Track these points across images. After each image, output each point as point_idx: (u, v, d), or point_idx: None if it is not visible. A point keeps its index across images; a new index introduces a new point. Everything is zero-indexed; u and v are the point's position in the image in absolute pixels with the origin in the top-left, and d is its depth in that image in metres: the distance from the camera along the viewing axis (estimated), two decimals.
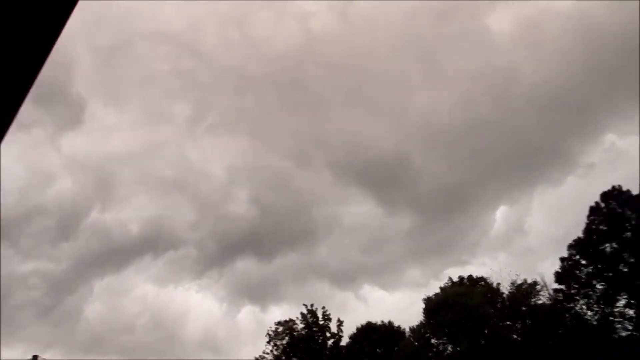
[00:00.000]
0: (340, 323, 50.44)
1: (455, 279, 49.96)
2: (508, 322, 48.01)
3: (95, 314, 67.86)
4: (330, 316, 51.19)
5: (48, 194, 74.91)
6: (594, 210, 41.62)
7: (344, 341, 51.42)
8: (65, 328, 64.78)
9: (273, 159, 79.80)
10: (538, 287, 45.46)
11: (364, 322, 52.75)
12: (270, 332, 51.23)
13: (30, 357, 40.23)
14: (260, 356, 51.06)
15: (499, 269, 66.00)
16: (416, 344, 49.55)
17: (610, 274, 39.77)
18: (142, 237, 73.08)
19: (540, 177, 69.82)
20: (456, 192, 75.07)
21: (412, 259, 76.39)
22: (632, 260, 38.61)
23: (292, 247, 77.34)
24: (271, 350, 50.91)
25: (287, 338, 51.01)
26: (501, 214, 70.62)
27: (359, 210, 76.75)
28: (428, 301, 49.32)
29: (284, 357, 50.55)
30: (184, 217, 77.19)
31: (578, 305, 41.61)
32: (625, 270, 38.61)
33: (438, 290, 50.35)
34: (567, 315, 41.58)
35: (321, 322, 50.70)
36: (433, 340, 49.18)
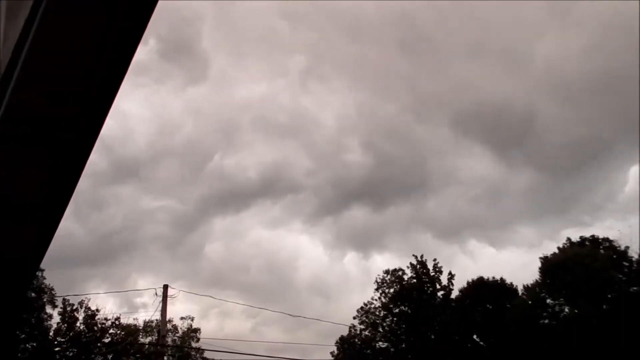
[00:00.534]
0: (451, 276, 50.32)
1: (576, 240, 47.33)
2: (635, 288, 45.22)
3: (215, 253, 72.84)
4: (442, 269, 50.30)
5: (175, 140, 78.05)
6: None
7: (454, 295, 50.78)
8: (189, 263, 70.27)
9: (390, 110, 78.45)
10: None
11: (470, 277, 51.75)
12: (379, 280, 51.97)
13: (162, 286, 42.98)
14: (368, 301, 52.32)
15: (629, 232, 61.09)
16: (530, 302, 48.16)
17: None
18: (260, 182, 76.07)
19: None
20: (583, 148, 70.60)
21: (527, 217, 74.39)
22: None
23: (404, 198, 76.93)
24: (379, 298, 51.82)
25: (395, 287, 51.24)
26: (635, 174, 64.85)
27: (476, 165, 74.33)
28: (545, 260, 47.43)
29: (392, 305, 51.36)
30: (301, 163, 78.49)
31: None
32: None
33: (555, 251, 47.99)
34: None
35: (432, 274, 50.56)
36: (549, 301, 47.66)
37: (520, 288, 49.74)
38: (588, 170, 72.62)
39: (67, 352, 43.53)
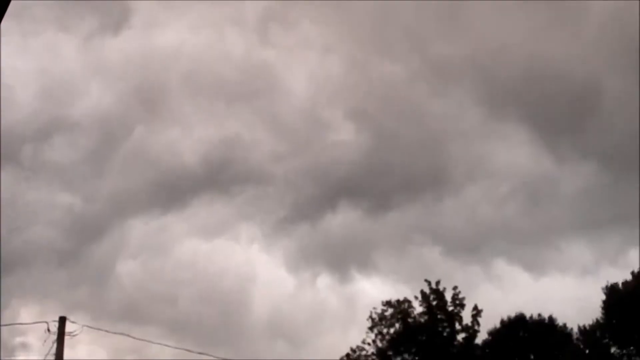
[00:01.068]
0: (477, 312, 37.83)
1: None
2: None
3: (131, 273, 55.65)
4: (464, 301, 40.14)
5: (75, 108, 62.82)
6: None
7: (480, 338, 38.97)
8: (94, 287, 53.13)
9: (391, 73, 62.86)
10: None
11: (498, 313, 39.34)
12: (375, 315, 39.83)
13: (57, 319, 30.46)
14: (358, 347, 38.98)
15: None
16: (587, 351, 35.92)
17: None
18: (200, 169, 59.78)
19: None
20: None
21: (579, 230, 58.44)
22: None
23: (409, 196, 61.33)
24: (374, 340, 38.64)
25: (398, 325, 38.75)
26: None
27: (512, 154, 59.75)
28: (610, 292, 35.64)
29: (391, 352, 38.10)
30: (264, 145, 61.99)
31: None
32: None
33: (625, 279, 36.35)
34: None
35: (449, 308, 37.59)
36: (614, 349, 35.81)
37: (574, 330, 37.00)
38: None
39: None
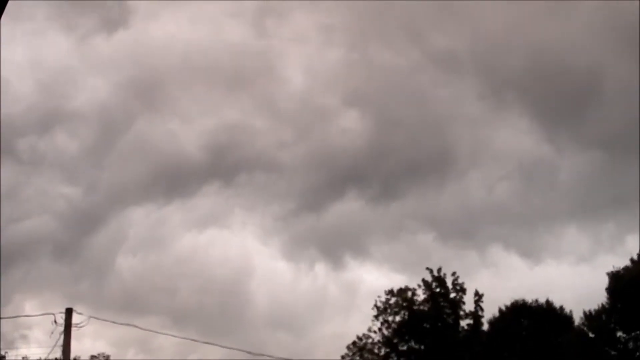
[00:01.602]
0: (478, 297, 38.37)
1: None
2: None
3: (132, 263, 56.49)
4: (465, 286, 41.47)
5: (74, 101, 64.50)
6: None
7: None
8: (94, 278, 53.73)
9: (393, 63, 62.97)
10: None
11: (495, 299, 41.27)
12: (379, 304, 40.94)
13: (63, 310, 31.25)
14: (364, 335, 39.63)
15: None
16: (592, 335, 36.33)
17: None
18: (204, 159, 60.20)
19: None
20: None
21: (576, 217, 59.26)
22: None
23: (412, 183, 62.23)
24: (379, 329, 39.34)
25: (403, 313, 38.95)
26: None
27: (512, 139, 59.88)
28: (615, 278, 35.96)
29: (396, 340, 38.71)
30: (264, 134, 62.44)
31: None
32: None
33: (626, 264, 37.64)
34: None
35: (451, 295, 38.21)
36: (620, 334, 36.12)
37: (578, 315, 37.63)
38: None
39: None
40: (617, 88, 59.44)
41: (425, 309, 41.03)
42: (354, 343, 41.77)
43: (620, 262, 40.15)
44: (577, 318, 39.14)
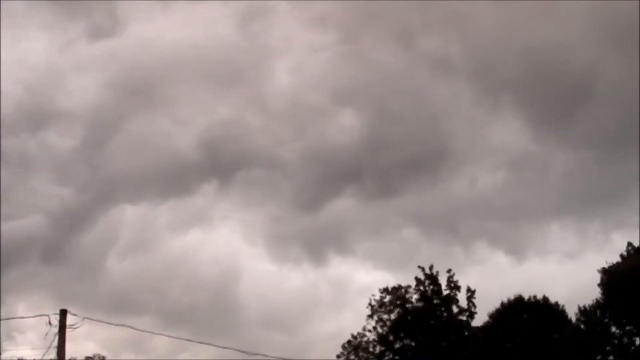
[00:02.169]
0: (471, 294, 38.78)
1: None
2: None
3: (122, 264, 56.66)
4: (459, 283, 41.98)
5: (66, 101, 65.43)
6: None
7: (479, 321, 41.51)
8: (83, 279, 53.95)
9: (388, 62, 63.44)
10: None
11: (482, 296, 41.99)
12: (374, 302, 41.77)
13: (57, 312, 28.99)
14: (359, 333, 39.96)
15: None
16: (587, 331, 36.98)
17: None
18: (198, 157, 60.11)
19: None
20: None
21: (563, 214, 60.45)
22: None
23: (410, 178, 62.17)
24: (374, 327, 39.63)
25: (397, 311, 41.14)
26: None
27: (503, 135, 60.66)
28: (608, 274, 36.51)
29: (391, 337, 39.05)
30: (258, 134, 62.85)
31: None
32: None
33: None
34: None
35: (445, 292, 38.63)
36: (614, 329, 36.52)
37: (573, 311, 38.28)
38: None
39: None
40: (608, 89, 61.35)
41: (420, 306, 41.49)
42: (349, 342, 42.11)
43: (606, 258, 41.28)
44: (571, 314, 39.99)
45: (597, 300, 38.41)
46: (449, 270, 42.09)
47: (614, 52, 61.99)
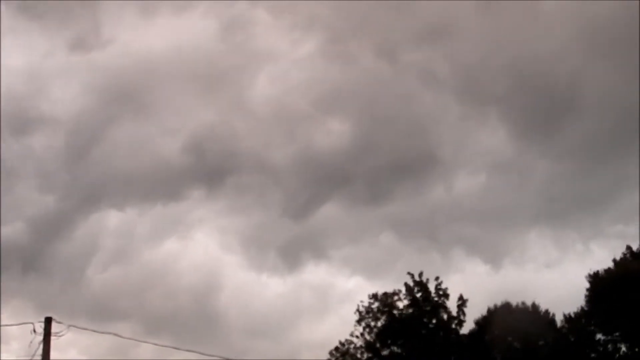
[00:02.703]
0: (462, 302, 39.11)
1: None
2: None
3: (102, 271, 56.92)
4: (448, 291, 42.03)
5: (50, 104, 65.01)
6: None
7: (467, 328, 41.83)
8: (60, 285, 54.22)
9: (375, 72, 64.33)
10: None
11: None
12: (362, 309, 41.71)
13: (42, 319, 29.11)
14: (346, 340, 40.51)
15: None
16: (572, 339, 37.61)
17: None
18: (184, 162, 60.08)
19: None
20: (627, 116, 57.46)
21: (542, 222, 61.89)
22: None
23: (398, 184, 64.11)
24: (362, 334, 40.05)
25: (384, 318, 40.71)
26: None
27: (489, 148, 63.02)
28: (595, 279, 37.21)
29: (379, 344, 39.57)
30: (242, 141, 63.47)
31: None
32: None
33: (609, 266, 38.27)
34: None
35: (434, 299, 39.16)
36: (599, 336, 37.23)
37: (559, 318, 38.79)
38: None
39: None
40: (591, 100, 62.30)
41: (408, 312, 41.88)
42: (336, 348, 42.29)
43: (585, 267, 42.72)
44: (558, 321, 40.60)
45: (581, 307, 39.24)
46: (437, 278, 42.55)
47: (596, 65, 63.12)
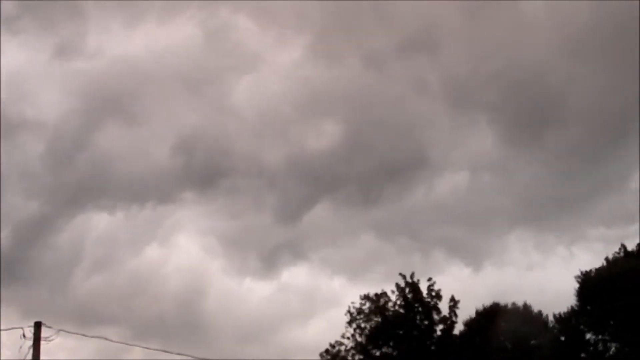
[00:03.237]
0: (454, 303, 39.72)
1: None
2: None
3: (88, 277, 56.94)
4: (440, 292, 42.34)
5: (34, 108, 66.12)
6: None
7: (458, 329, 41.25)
8: (43, 290, 54.39)
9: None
10: None
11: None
12: (353, 310, 41.57)
13: (31, 324, 29.03)
14: (337, 342, 41.19)
15: None
16: (562, 338, 38.21)
17: None
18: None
19: None
20: (612, 119, 60.40)
21: (525, 223, 63.02)
22: None
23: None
24: (353, 335, 40.61)
25: (376, 319, 40.65)
26: None
27: (475, 150, 64.71)
28: (585, 279, 37.84)
29: (370, 346, 40.09)
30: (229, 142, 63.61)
31: None
32: None
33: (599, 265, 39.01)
34: None
35: (426, 300, 39.71)
36: (589, 336, 37.87)
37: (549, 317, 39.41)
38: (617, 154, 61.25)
39: None
40: (574, 107, 63.92)
41: (399, 313, 42.42)
42: (326, 350, 42.86)
43: (570, 269, 43.79)
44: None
45: (572, 307, 39.89)
46: (429, 279, 43.17)
47: (579, 74, 64.78)
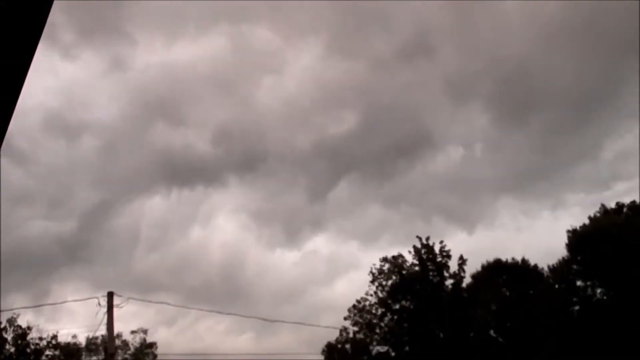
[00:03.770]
0: (462, 261, 45.99)
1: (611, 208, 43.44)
2: None
3: (146, 253, 67.55)
4: (450, 252, 48.12)
5: (91, 114, 78.06)
6: None
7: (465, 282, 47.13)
8: (110, 266, 64.71)
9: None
10: None
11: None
12: (374, 270, 47.96)
13: (105, 294, 37.86)
14: (362, 298, 47.96)
15: None
16: (556, 286, 43.97)
17: None
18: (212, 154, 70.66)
19: None
20: (585, 100, 70.86)
21: (509, 190, 74.13)
22: None
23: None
24: (375, 292, 47.48)
25: (395, 277, 46.77)
26: None
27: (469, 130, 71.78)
28: (573, 234, 43.24)
29: (390, 300, 46.86)
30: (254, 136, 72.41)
31: None
32: None
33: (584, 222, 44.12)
34: None
35: (438, 260, 46.11)
36: (579, 283, 43.48)
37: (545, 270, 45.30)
38: (590, 126, 73.12)
39: None
40: (553, 89, 73.40)
41: (416, 270, 49.05)
42: (354, 306, 50.19)
43: (551, 230, 53.17)
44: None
45: (563, 258, 45.50)
46: (441, 241, 49.58)
47: (555, 64, 72.82)
